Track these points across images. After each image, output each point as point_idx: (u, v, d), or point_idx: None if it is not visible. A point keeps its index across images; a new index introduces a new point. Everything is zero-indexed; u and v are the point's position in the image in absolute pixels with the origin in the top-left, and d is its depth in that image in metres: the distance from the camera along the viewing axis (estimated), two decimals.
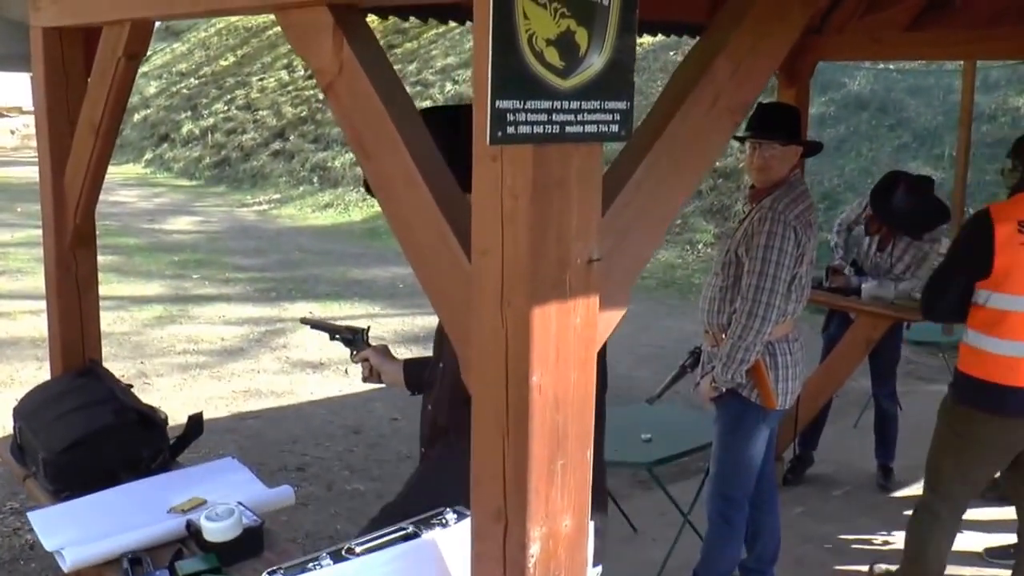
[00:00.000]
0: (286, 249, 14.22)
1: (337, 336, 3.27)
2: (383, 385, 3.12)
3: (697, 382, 4.14)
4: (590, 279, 1.66)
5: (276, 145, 21.81)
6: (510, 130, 1.56)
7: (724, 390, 3.90)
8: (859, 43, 5.59)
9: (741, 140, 4.00)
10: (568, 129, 1.62)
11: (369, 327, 3.31)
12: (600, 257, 1.66)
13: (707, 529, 4.23)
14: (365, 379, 3.15)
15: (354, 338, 3.21)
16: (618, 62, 1.65)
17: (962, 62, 10.80)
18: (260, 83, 25.17)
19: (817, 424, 5.91)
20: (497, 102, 1.55)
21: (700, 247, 12.41)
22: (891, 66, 12.92)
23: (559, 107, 1.60)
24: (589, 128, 1.64)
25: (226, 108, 24.82)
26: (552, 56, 1.59)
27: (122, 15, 2.76)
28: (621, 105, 1.67)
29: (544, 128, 1.59)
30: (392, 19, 6.13)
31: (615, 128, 1.67)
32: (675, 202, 1.84)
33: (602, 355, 2.06)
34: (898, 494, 5.68)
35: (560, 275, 1.63)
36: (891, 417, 5.84)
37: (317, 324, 3.42)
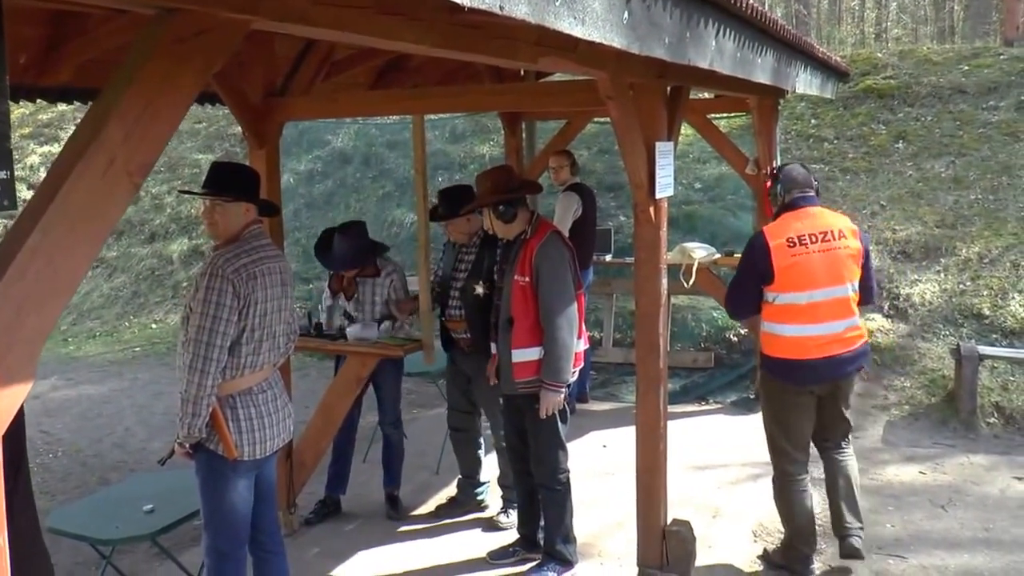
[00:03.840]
0: None
1: None
2: None
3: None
4: None
5: None
6: None
7: (188, 446, 3.84)
8: (320, 103, 5.80)
9: (191, 195, 4.01)
10: None
11: None
12: None
13: None
14: None
15: None
16: None
17: (433, 117, 11.69)
18: None
19: (340, 465, 6.06)
20: None
21: None
22: (370, 122, 13.57)
23: None
24: None
25: None
26: None
27: None
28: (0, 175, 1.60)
29: None
30: None
31: None
32: (76, 268, 1.78)
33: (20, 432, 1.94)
34: (406, 524, 5.94)
35: None
36: (395, 444, 6.10)
37: None
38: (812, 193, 5.00)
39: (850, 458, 5.18)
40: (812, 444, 5.14)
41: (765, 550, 5.35)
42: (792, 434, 4.99)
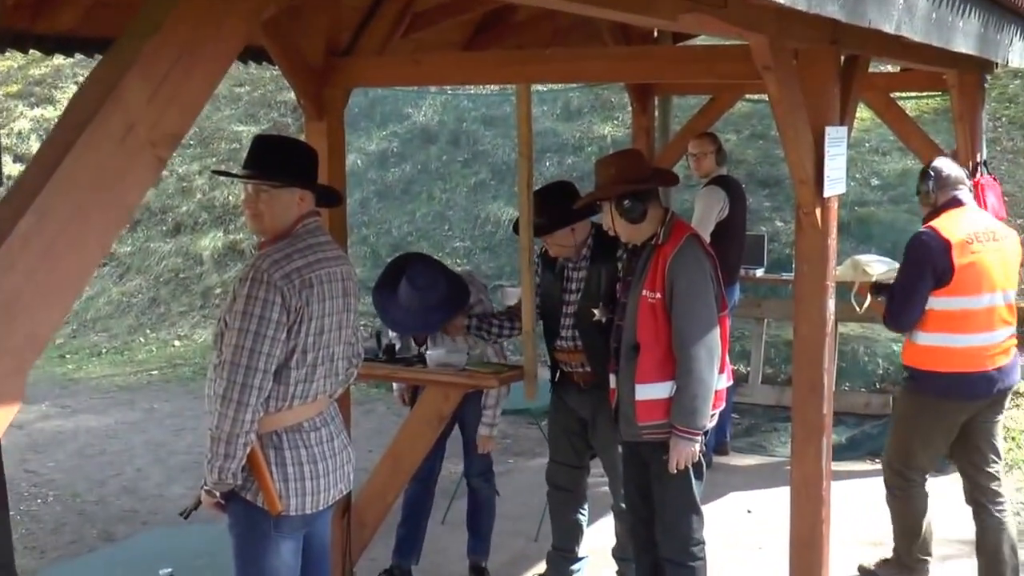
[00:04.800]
0: None
1: None
2: None
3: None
4: None
5: None
6: None
7: (219, 495, 3.82)
8: (398, 66, 5.78)
9: (227, 177, 4.02)
10: None
11: None
12: None
13: None
14: None
15: None
16: None
17: (542, 87, 11.69)
18: None
19: (412, 526, 6.03)
20: None
21: None
22: (461, 92, 13.63)
23: None
24: None
25: None
26: None
27: None
28: None
29: None
30: None
31: None
32: (83, 260, 1.77)
33: None
34: None
35: None
36: (485, 501, 6.09)
37: None
38: (967, 190, 5.53)
39: (1009, 516, 5.62)
40: (966, 492, 5.65)
41: (861, 567, 5.96)
42: (933, 456, 5.60)
